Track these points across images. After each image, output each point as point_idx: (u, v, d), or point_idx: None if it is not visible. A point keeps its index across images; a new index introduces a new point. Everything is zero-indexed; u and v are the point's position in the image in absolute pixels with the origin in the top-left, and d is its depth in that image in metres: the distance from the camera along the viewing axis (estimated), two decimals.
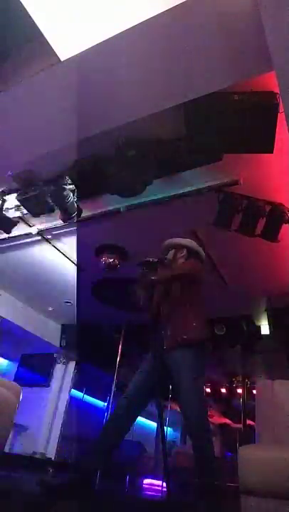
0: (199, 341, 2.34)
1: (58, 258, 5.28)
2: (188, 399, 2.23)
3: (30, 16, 2.30)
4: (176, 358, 2.31)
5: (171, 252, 2.71)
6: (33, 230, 4.68)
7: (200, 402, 2.25)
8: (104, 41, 2.35)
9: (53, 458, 6.74)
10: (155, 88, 2.59)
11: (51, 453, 6.84)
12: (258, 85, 2.66)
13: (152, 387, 2.32)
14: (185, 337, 2.32)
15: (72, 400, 7.59)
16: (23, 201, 3.90)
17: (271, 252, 4.26)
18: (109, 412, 2.28)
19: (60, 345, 7.55)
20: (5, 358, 8.07)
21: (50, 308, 7.01)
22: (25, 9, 2.26)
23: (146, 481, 6.61)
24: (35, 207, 3.94)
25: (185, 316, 2.43)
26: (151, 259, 2.60)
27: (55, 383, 7.48)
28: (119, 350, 4.88)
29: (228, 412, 10.87)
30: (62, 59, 2.50)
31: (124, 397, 2.33)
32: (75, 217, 4.10)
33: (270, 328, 5.83)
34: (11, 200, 4.13)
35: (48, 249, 5.09)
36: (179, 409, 2.31)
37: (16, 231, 4.54)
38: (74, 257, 5.30)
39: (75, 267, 5.49)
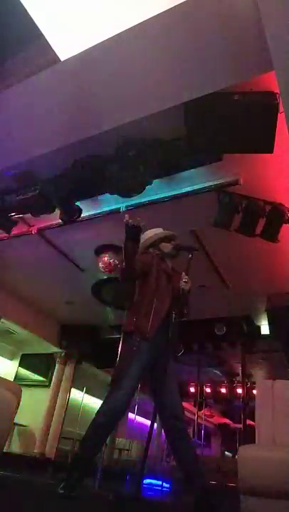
0: (125, 332, 2.46)
1: (58, 258, 5.28)
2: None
3: (30, 16, 2.30)
4: (174, 368, 2.41)
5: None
6: (33, 230, 4.68)
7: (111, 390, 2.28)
8: (104, 41, 2.35)
9: (52, 458, 6.75)
10: (155, 88, 2.59)
11: (51, 453, 6.85)
12: (258, 85, 2.66)
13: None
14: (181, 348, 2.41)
15: (72, 399, 7.59)
16: (23, 201, 3.90)
17: (271, 252, 4.27)
18: (110, 406, 2.21)
19: (60, 345, 7.55)
20: (5, 358, 8.07)
21: (51, 308, 7.01)
22: (25, 9, 2.26)
23: (147, 481, 6.61)
24: (35, 207, 3.94)
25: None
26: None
27: (55, 383, 7.48)
28: (119, 350, 4.87)
29: (228, 412, 10.88)
30: (62, 59, 2.50)
31: (127, 393, 2.26)
32: (75, 217, 4.10)
33: (270, 328, 5.83)
34: (11, 200, 4.12)
35: (48, 249, 5.09)
36: None
37: (16, 231, 4.54)
38: (74, 256, 5.31)
39: (75, 267, 5.49)
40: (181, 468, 2.20)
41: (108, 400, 2.22)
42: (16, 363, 8.04)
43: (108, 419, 2.21)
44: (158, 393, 2.30)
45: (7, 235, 4.52)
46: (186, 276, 2.47)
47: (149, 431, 2.29)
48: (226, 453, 12.08)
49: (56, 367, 7.62)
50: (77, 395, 7.76)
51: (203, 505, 2.03)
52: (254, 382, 7.04)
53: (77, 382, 7.71)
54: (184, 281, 2.45)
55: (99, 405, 2.24)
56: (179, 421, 2.24)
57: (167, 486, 6.08)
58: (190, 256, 2.54)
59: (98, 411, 2.21)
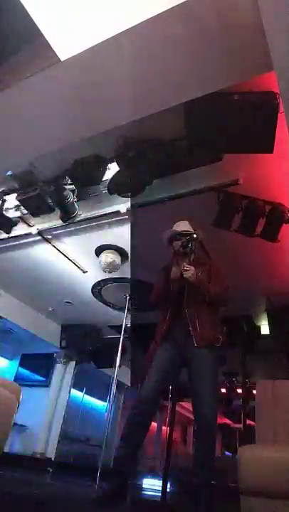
0: (220, 344, 2.43)
1: (58, 258, 5.28)
2: (209, 399, 2.30)
3: (30, 16, 2.29)
4: (203, 356, 2.36)
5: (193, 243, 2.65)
6: (33, 230, 4.68)
7: (216, 402, 2.33)
8: (104, 41, 2.34)
9: (52, 458, 6.75)
10: (155, 88, 2.58)
11: (51, 453, 6.85)
12: (258, 85, 2.66)
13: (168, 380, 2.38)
14: (218, 337, 2.40)
15: (72, 399, 7.59)
16: (23, 201, 3.90)
17: (271, 252, 4.26)
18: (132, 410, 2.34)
19: (60, 346, 7.56)
20: (5, 358, 8.07)
21: (50, 309, 7.01)
22: (25, 9, 2.26)
23: (147, 481, 6.61)
24: (35, 207, 3.94)
25: (212, 317, 2.53)
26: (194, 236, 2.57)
27: (55, 383, 7.48)
28: (119, 350, 4.88)
29: (228, 412, 10.87)
30: (62, 59, 2.49)
31: (147, 393, 2.30)
32: (75, 217, 4.10)
33: (270, 328, 5.83)
34: (11, 200, 4.13)
35: (48, 249, 5.10)
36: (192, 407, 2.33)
37: (15, 231, 4.54)
38: (74, 257, 5.31)
39: (76, 267, 5.49)
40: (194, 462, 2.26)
41: (133, 403, 2.35)
42: (16, 363, 8.05)
43: (132, 421, 2.29)
44: (191, 388, 2.33)
45: (7, 235, 4.52)
46: (187, 265, 2.48)
47: (168, 436, 2.34)
48: (226, 453, 12.08)
49: (56, 367, 7.62)
50: (77, 395, 7.76)
51: (199, 503, 2.09)
52: (254, 382, 7.03)
53: (77, 382, 7.71)
54: (185, 269, 2.45)
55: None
56: (203, 419, 2.27)
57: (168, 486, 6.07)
58: (190, 245, 2.54)
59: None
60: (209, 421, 2.28)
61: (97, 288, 5.91)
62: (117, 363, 4.82)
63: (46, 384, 7.56)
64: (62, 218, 4.12)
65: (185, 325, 2.41)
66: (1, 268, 5.72)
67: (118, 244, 4.86)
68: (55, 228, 4.58)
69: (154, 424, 10.34)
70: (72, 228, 4.53)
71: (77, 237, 4.82)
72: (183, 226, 2.77)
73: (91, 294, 6.10)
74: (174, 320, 2.45)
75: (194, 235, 2.58)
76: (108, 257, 4.91)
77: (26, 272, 5.82)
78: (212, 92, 2.53)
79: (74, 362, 7.72)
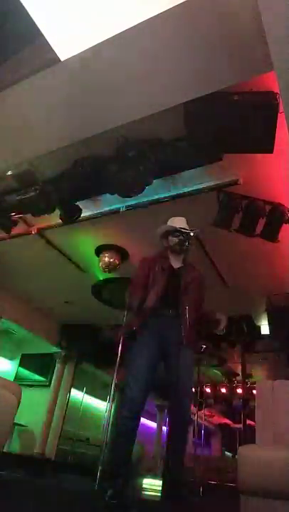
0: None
1: (58, 258, 5.28)
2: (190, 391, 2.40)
3: (30, 16, 2.29)
4: (188, 355, 2.36)
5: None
6: (33, 230, 4.68)
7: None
8: (104, 41, 2.34)
9: (52, 458, 6.75)
10: (155, 88, 2.58)
11: (51, 453, 6.85)
12: (258, 85, 2.66)
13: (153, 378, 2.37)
14: (197, 341, 2.43)
15: (72, 399, 7.59)
16: (23, 201, 3.90)
17: (271, 252, 4.27)
18: (119, 415, 2.32)
19: (60, 345, 7.56)
20: (5, 358, 8.07)
21: (50, 308, 7.01)
22: (25, 9, 2.26)
23: (147, 481, 6.61)
24: (35, 207, 3.94)
25: (191, 317, 2.46)
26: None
27: (55, 383, 7.48)
28: (119, 350, 4.87)
29: (228, 412, 10.87)
30: (62, 59, 2.49)
31: (138, 394, 2.29)
32: (75, 217, 4.10)
33: (270, 328, 5.83)
34: (11, 200, 4.12)
35: (48, 249, 5.10)
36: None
37: (15, 231, 4.54)
38: (74, 256, 5.31)
39: (75, 267, 5.49)
40: (166, 458, 2.30)
41: (120, 402, 2.37)
42: (16, 363, 8.04)
43: (125, 425, 2.27)
44: (171, 386, 2.33)
45: (7, 235, 4.52)
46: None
47: (167, 436, 2.36)
48: (226, 453, 12.07)
49: (56, 367, 7.62)
50: (77, 395, 7.76)
51: (173, 494, 2.16)
52: (254, 382, 7.04)
53: (77, 382, 7.71)
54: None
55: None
56: (186, 407, 2.33)
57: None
58: (186, 244, 2.53)
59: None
60: (189, 409, 2.37)
61: (97, 288, 5.91)
62: (117, 363, 4.81)
63: (46, 384, 7.56)
64: (62, 218, 4.12)
65: (177, 324, 2.40)
66: (1, 268, 5.71)
67: (118, 244, 4.86)
68: (55, 228, 4.58)
69: (153, 424, 10.34)
70: (72, 228, 4.53)
71: (77, 236, 4.82)
72: (179, 222, 2.74)
73: (91, 294, 6.10)
74: (164, 317, 2.43)
75: (192, 234, 2.57)
76: (108, 256, 4.91)
77: (26, 271, 5.82)
78: (212, 92, 2.53)
79: (74, 362, 7.72)
